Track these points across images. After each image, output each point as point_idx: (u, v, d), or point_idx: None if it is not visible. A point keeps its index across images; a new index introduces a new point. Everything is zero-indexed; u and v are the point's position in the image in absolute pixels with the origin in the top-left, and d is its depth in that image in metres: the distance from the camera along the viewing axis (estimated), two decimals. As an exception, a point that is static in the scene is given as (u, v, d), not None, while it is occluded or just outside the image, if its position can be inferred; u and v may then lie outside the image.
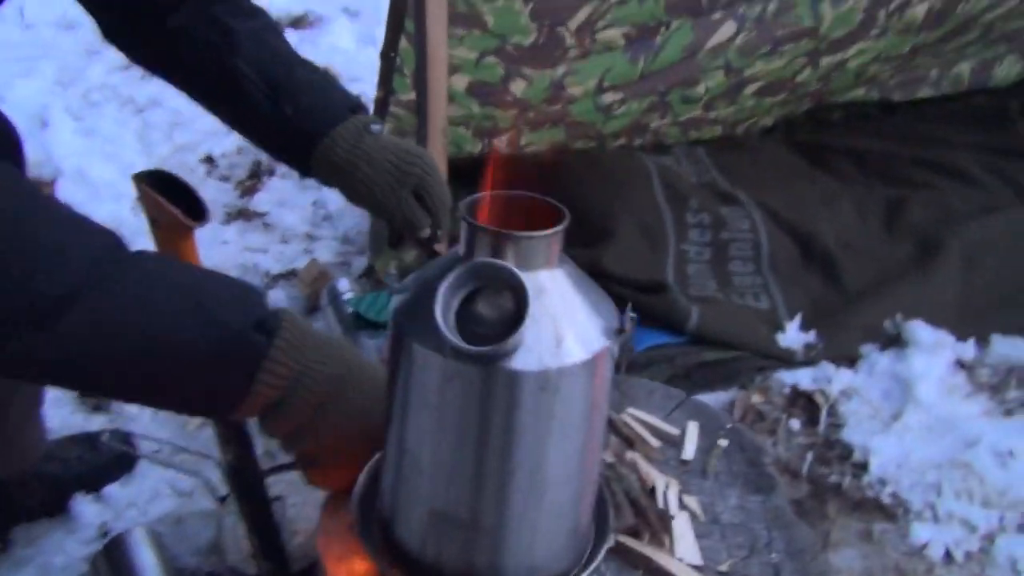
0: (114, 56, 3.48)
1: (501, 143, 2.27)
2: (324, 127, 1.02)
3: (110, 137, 2.93)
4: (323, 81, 1.07)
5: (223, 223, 2.49)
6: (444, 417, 0.65)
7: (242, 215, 2.54)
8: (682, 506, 0.95)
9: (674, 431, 1.07)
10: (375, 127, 1.05)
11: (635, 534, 0.90)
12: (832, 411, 1.88)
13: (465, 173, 1.40)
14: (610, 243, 2.03)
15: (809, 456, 1.76)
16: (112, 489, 1.58)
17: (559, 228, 0.65)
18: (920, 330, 2.00)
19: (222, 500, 1.49)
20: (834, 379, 1.93)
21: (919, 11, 2.12)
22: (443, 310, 0.61)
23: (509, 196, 0.69)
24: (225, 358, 0.69)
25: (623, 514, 0.90)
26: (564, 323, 0.64)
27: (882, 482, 1.69)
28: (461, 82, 2.07)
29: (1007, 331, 2.07)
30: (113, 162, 2.79)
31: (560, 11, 1.82)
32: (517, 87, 2.13)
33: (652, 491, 0.96)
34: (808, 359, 1.96)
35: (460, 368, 0.63)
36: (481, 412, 0.64)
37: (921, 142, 2.80)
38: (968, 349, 2.03)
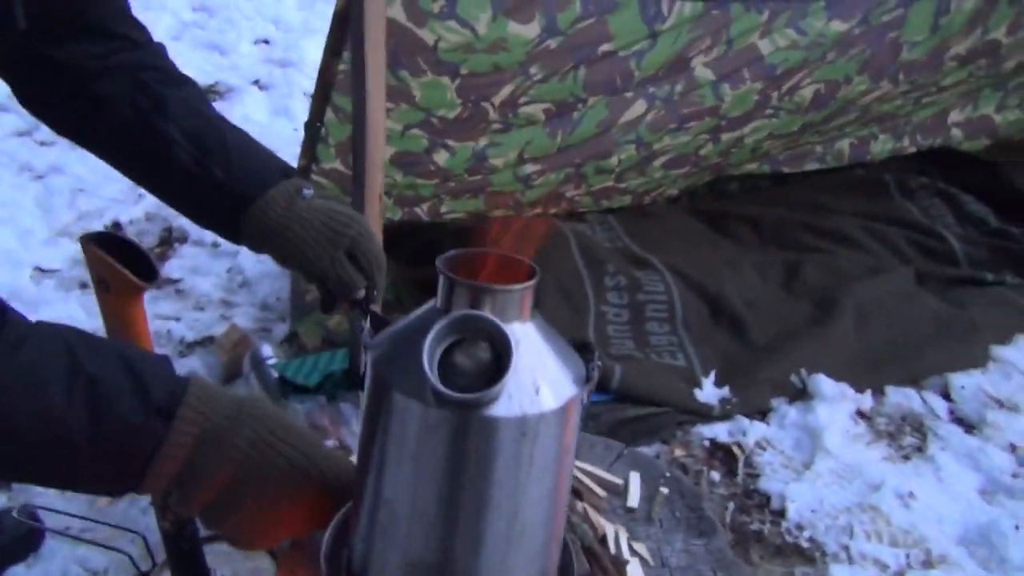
0: (10, 121, 3.36)
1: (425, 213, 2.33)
2: (256, 190, 1.01)
3: (6, 202, 2.81)
4: (254, 146, 1.06)
5: (135, 291, 2.41)
6: (424, 465, 0.67)
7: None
8: (632, 552, 0.99)
9: (618, 481, 1.12)
10: (307, 191, 1.04)
11: (591, 581, 0.93)
12: (748, 462, 1.98)
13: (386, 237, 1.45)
14: (537, 306, 2.09)
15: (731, 506, 1.84)
16: (17, 571, 1.47)
17: (533, 282, 0.69)
18: (823, 383, 2.15)
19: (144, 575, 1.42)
20: (748, 431, 2.04)
21: (807, 93, 2.34)
22: (429, 360, 0.63)
23: (476, 253, 0.74)
24: (119, 451, 0.66)
25: (579, 561, 0.92)
26: (539, 372, 0.68)
27: (799, 527, 1.78)
28: (386, 152, 2.12)
29: (899, 382, 2.25)
30: (10, 228, 2.67)
31: (485, 87, 1.92)
32: (440, 157, 2.19)
33: (604, 539, 1.00)
34: (724, 413, 2.06)
35: (443, 416, 0.65)
36: (462, 459, 0.66)
37: (810, 210, 3.04)
38: (866, 400, 2.18)
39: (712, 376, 2.14)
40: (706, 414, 2.05)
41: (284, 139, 3.61)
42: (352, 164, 1.46)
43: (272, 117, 3.80)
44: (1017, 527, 1.78)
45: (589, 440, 1.24)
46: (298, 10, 5.04)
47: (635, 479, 1.13)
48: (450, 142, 2.13)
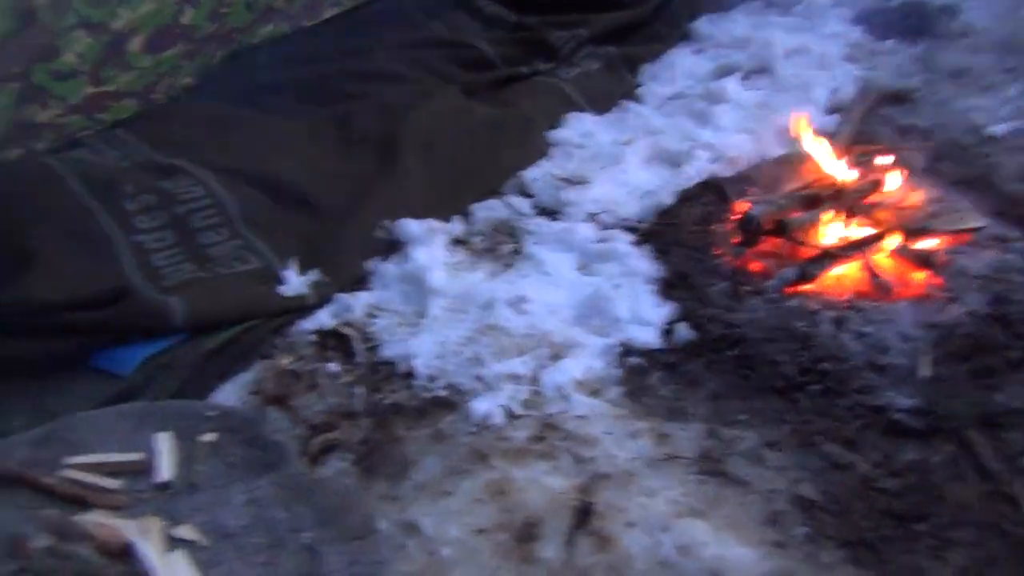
0: None
1: None
2: None
3: None
4: None
5: None
6: None
7: None
8: (174, 544, 0.70)
9: (138, 457, 0.80)
10: None
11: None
12: (365, 337, 1.78)
13: None
14: (34, 269, 1.59)
15: (359, 391, 1.64)
16: None
17: None
18: (410, 226, 2.00)
19: None
20: (353, 306, 1.83)
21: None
22: None
23: None
24: None
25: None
26: None
27: (431, 379, 1.64)
28: None
29: (481, 197, 2.19)
30: None
31: None
32: None
33: (129, 548, 0.69)
34: (320, 298, 1.82)
35: None
36: None
37: (348, 56, 2.80)
38: (456, 226, 2.09)
39: (294, 266, 1.86)
40: (301, 306, 1.79)
41: None
42: None
43: None
44: (617, 285, 1.84)
45: (104, 422, 0.89)
46: None
47: (162, 443, 0.82)
48: None
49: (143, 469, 0.79)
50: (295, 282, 1.83)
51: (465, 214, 2.14)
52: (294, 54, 2.86)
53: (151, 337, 1.60)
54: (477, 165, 2.27)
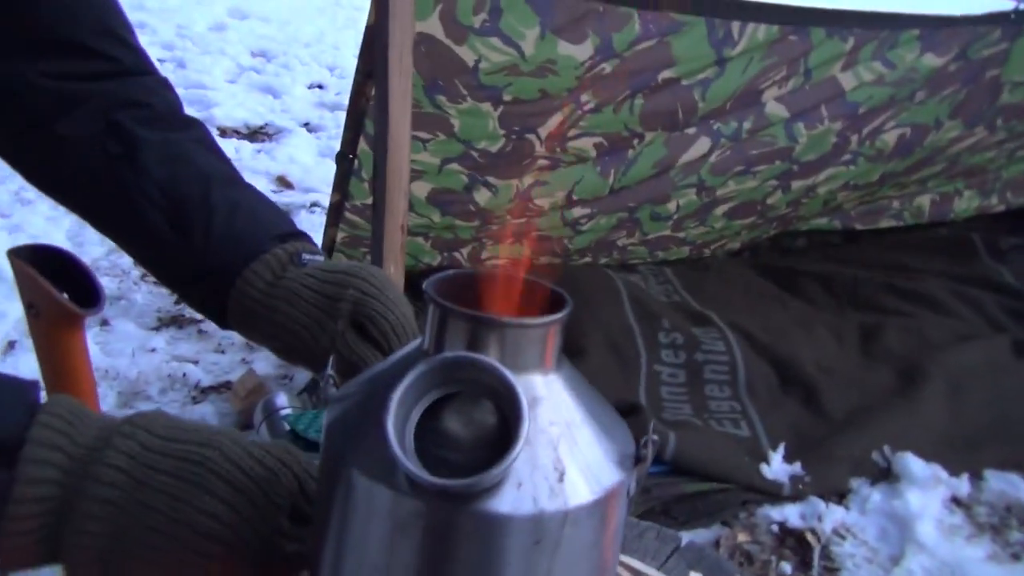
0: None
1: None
2: (240, 261, 0.78)
3: (39, 236, 2.73)
4: (253, 206, 0.82)
5: (152, 329, 2.28)
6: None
7: (175, 322, 2.33)
8: None
9: (673, 584, 0.87)
10: (306, 257, 0.79)
11: None
12: (825, 553, 1.69)
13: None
14: (580, 360, 1.87)
15: (806, 608, 1.55)
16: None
17: (560, 315, 0.48)
18: (911, 463, 1.85)
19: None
20: (824, 516, 1.75)
21: (890, 137, 2.11)
22: (398, 425, 0.42)
23: (488, 276, 0.53)
24: None
25: None
26: (566, 448, 0.46)
27: (890, 640, 1.48)
28: (422, 190, 1.96)
29: (1000, 466, 1.94)
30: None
31: (531, 117, 1.74)
32: (481, 196, 2.02)
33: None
34: (796, 493, 1.78)
35: (420, 508, 0.44)
36: (446, 572, 0.45)
37: (889, 269, 2.77)
38: (963, 485, 1.88)
39: (781, 450, 1.87)
40: (775, 493, 1.77)
41: (327, 180, 3.51)
42: (371, 190, 1.28)
43: (318, 159, 3.71)
44: None
45: (636, 527, 0.99)
46: (355, 57, 5.03)
47: (695, 581, 0.88)
48: (491, 179, 1.96)
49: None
50: (778, 467, 1.82)
51: (977, 477, 1.91)
52: (837, 252, 2.93)
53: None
54: (1007, 431, 2.01)
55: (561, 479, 0.45)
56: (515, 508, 0.43)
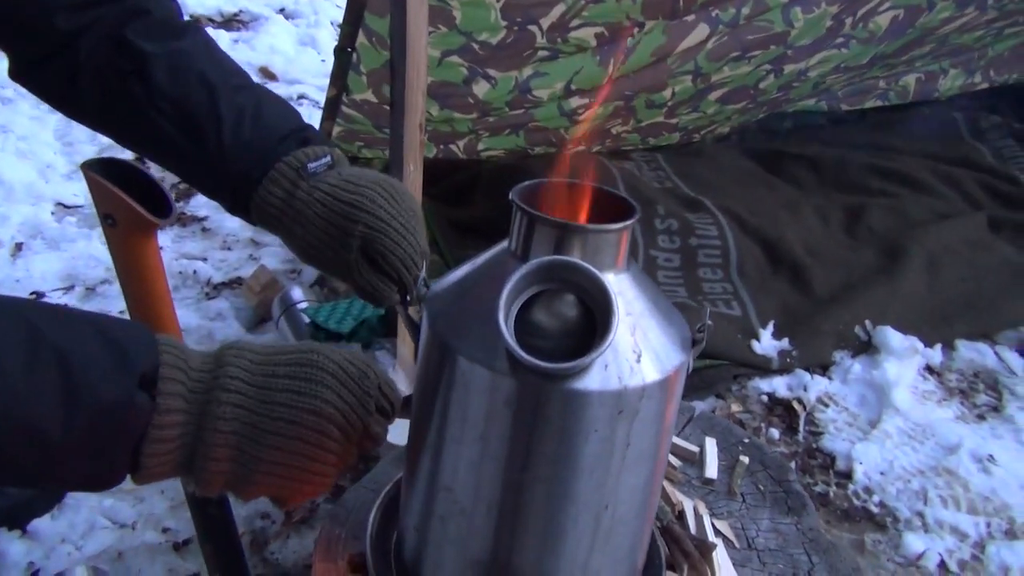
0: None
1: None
2: (255, 169, 0.84)
3: (26, 136, 2.70)
4: (256, 108, 0.86)
5: (159, 229, 2.31)
6: (494, 447, 0.54)
7: (178, 220, 2.35)
8: (715, 532, 0.87)
9: (693, 448, 0.99)
10: (311, 165, 0.84)
11: (671, 567, 0.81)
12: (810, 419, 1.84)
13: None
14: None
15: (793, 465, 1.71)
16: (41, 524, 1.40)
17: (631, 220, 0.55)
18: (890, 336, 1.99)
19: (183, 544, 1.33)
20: (810, 386, 1.90)
21: (883, 20, 2.13)
22: (506, 317, 0.50)
23: (558, 185, 0.59)
24: (102, 435, 0.55)
25: (660, 545, 0.80)
26: (641, 335, 0.54)
27: (868, 491, 1.65)
28: (423, 80, 1.96)
29: (971, 336, 2.09)
30: (30, 162, 2.56)
31: (533, 7, 1.74)
32: (480, 88, 2.03)
33: (681, 515, 0.87)
34: (784, 367, 1.92)
35: (520, 387, 0.52)
36: (543, 441, 0.53)
37: (873, 150, 2.84)
38: (936, 354, 2.03)
39: (771, 327, 1.99)
40: (764, 367, 1.91)
41: (311, 71, 3.44)
42: (391, 90, 1.31)
43: (299, 48, 3.62)
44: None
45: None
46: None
47: (711, 446, 1.00)
48: (491, 72, 1.96)
49: (692, 460, 0.98)
50: (767, 343, 1.95)
51: (949, 347, 2.06)
52: (823, 134, 2.98)
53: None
54: (978, 303, 2.15)
55: (639, 360, 0.53)
56: (603, 384, 0.52)
